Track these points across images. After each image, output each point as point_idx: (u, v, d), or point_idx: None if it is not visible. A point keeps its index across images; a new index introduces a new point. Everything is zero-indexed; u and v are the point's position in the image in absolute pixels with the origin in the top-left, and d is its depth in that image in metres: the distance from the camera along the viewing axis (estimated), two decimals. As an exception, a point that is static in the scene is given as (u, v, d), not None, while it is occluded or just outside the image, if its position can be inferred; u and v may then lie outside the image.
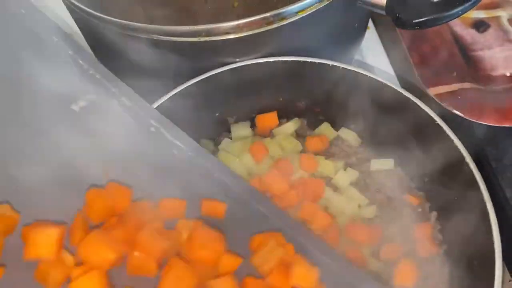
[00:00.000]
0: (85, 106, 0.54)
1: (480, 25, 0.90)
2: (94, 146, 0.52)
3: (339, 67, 0.64)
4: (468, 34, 0.89)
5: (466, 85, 0.81)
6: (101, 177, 0.53)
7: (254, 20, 0.58)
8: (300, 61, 0.65)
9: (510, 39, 0.89)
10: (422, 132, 0.64)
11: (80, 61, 0.55)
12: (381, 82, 0.64)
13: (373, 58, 0.88)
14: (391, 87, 0.64)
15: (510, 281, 0.72)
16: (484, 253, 0.54)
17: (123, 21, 0.58)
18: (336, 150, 0.72)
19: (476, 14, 0.92)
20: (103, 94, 0.55)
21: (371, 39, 0.90)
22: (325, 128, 0.74)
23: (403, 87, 0.81)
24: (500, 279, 0.51)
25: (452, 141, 0.59)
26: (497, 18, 0.92)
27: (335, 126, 0.74)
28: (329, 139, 0.73)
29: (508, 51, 0.87)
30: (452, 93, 0.79)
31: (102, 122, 0.53)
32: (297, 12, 0.60)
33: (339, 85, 0.67)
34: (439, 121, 0.61)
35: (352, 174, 0.69)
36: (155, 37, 0.59)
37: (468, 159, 0.57)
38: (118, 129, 0.53)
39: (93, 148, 0.52)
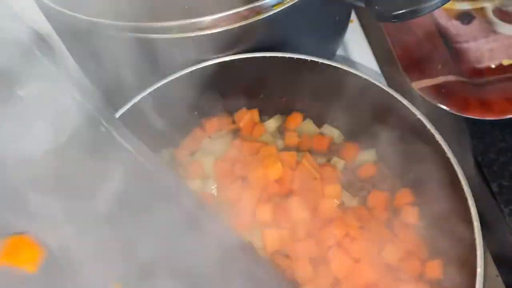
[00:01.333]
0: (32, 93, 0.52)
1: (464, 17, 0.89)
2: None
3: (318, 62, 0.63)
4: (453, 26, 0.88)
5: (451, 78, 0.80)
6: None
7: (228, 15, 0.56)
8: (278, 56, 0.63)
9: (495, 30, 0.88)
10: (405, 128, 0.63)
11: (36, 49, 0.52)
12: (362, 77, 0.62)
13: (357, 52, 0.86)
14: (372, 82, 0.62)
15: (497, 276, 0.71)
16: (466, 248, 0.53)
17: (93, 19, 0.56)
18: (319, 146, 0.71)
19: (461, 5, 0.91)
20: (54, 84, 0.52)
21: (354, 32, 0.89)
22: (308, 125, 0.73)
23: (387, 81, 0.81)
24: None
25: (433, 136, 0.58)
26: (482, 9, 0.91)
27: (318, 122, 0.73)
28: (312, 136, 0.71)
29: (493, 43, 0.86)
30: (436, 86, 0.78)
31: (48, 112, 0.51)
32: (273, 6, 0.59)
33: (320, 81, 0.66)
34: (420, 116, 0.59)
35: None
36: (127, 34, 0.57)
37: (449, 154, 0.56)
38: (63, 124, 0.51)
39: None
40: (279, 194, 0.64)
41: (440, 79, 0.79)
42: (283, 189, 0.64)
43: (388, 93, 0.61)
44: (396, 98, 0.61)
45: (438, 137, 0.58)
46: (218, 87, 0.66)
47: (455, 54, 0.84)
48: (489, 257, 0.72)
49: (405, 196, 0.66)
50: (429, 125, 0.59)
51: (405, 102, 0.61)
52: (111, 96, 0.76)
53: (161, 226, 0.50)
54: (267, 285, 0.55)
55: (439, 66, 0.81)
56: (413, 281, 0.60)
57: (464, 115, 0.75)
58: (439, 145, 0.58)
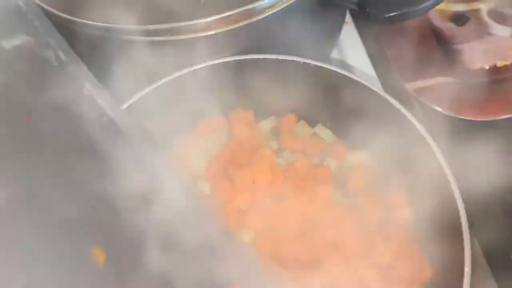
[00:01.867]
0: (17, 46, 0.52)
1: (459, 19, 0.89)
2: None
3: (311, 64, 0.63)
4: (447, 28, 0.88)
5: (445, 79, 0.81)
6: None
7: (221, 17, 0.57)
8: (271, 58, 0.64)
9: (489, 32, 0.88)
10: (398, 130, 0.63)
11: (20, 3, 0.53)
12: (354, 79, 0.63)
13: (351, 54, 0.87)
14: (365, 85, 0.63)
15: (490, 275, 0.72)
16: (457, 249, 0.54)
17: (87, 22, 0.57)
18: (311, 147, 0.71)
19: (456, 7, 0.91)
20: (39, 42, 0.52)
21: (349, 34, 0.89)
22: (301, 126, 0.73)
23: (381, 82, 0.82)
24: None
25: (424, 138, 0.59)
26: (477, 11, 0.91)
27: (311, 123, 0.73)
28: (305, 137, 0.72)
29: (487, 44, 0.87)
30: (430, 87, 0.79)
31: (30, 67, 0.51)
32: (266, 9, 0.59)
33: (313, 82, 0.67)
34: (412, 118, 0.60)
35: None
36: (122, 37, 0.58)
37: (440, 157, 0.56)
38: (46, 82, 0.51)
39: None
40: (271, 197, 0.64)
41: (434, 81, 0.80)
42: (274, 191, 0.65)
43: (380, 95, 0.62)
44: (388, 101, 0.62)
45: (429, 139, 0.58)
46: (212, 89, 0.67)
47: (449, 55, 0.85)
48: (482, 258, 0.73)
49: (397, 197, 0.66)
50: (420, 127, 0.60)
51: (397, 105, 0.62)
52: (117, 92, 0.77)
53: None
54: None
55: (433, 68, 0.82)
56: (404, 281, 0.60)
57: (458, 116, 0.76)
58: (431, 147, 0.58)
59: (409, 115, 0.59)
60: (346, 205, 0.66)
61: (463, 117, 0.76)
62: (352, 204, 0.67)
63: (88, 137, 0.52)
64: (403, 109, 0.60)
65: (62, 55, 0.54)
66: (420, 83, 0.79)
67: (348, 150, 0.71)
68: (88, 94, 0.54)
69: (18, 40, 0.53)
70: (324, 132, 0.72)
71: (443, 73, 0.81)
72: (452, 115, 0.76)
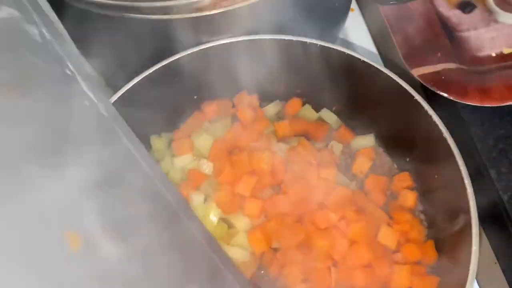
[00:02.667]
0: (1, 18, 0.51)
1: (465, 6, 0.89)
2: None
3: (317, 44, 0.63)
4: (454, 15, 0.88)
5: (451, 65, 0.80)
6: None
7: (226, -4, 0.56)
8: (277, 39, 0.63)
9: (496, 19, 0.87)
10: (403, 111, 0.63)
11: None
12: (360, 59, 0.63)
13: (357, 40, 0.86)
14: (370, 64, 0.63)
15: (495, 263, 0.71)
16: (463, 231, 0.54)
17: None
18: (317, 132, 0.71)
19: (462, -6, 0.90)
20: (24, 17, 0.51)
21: (355, 20, 0.89)
22: (306, 110, 0.73)
23: (386, 67, 0.81)
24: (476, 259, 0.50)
25: (431, 117, 0.58)
26: (483, -1, 0.90)
27: (316, 107, 0.73)
28: (310, 121, 0.72)
29: (494, 32, 0.86)
30: (436, 73, 0.78)
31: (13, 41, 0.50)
32: (273, -11, 0.59)
33: (318, 64, 0.66)
34: (418, 97, 0.60)
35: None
36: (125, 15, 0.57)
37: (446, 134, 0.56)
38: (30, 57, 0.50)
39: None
40: (272, 183, 0.65)
41: (440, 67, 0.79)
42: (276, 178, 0.65)
43: (387, 75, 0.61)
44: (395, 81, 0.61)
45: (436, 118, 0.58)
46: (217, 71, 0.67)
47: (455, 42, 0.84)
48: (487, 244, 0.72)
49: (403, 180, 0.66)
50: (428, 109, 0.59)
51: (405, 85, 0.61)
52: (112, 76, 0.77)
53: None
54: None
55: (439, 54, 0.81)
56: (409, 264, 0.60)
57: (464, 102, 0.75)
58: (437, 127, 0.58)
59: (417, 95, 0.59)
60: (351, 189, 0.66)
61: (469, 103, 0.75)
62: (357, 187, 0.67)
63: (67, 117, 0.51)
64: (410, 89, 0.59)
65: (46, 33, 0.53)
66: (425, 69, 0.78)
67: (353, 134, 0.71)
68: (70, 74, 0.53)
69: (2, 13, 0.52)
70: (329, 116, 0.72)
71: (449, 60, 0.81)
72: (458, 100, 0.75)
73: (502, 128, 0.77)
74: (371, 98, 0.65)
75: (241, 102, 0.72)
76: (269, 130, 0.70)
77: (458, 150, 0.55)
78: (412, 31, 0.84)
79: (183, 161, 0.66)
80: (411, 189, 0.65)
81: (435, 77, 0.78)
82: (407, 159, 0.66)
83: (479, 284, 0.66)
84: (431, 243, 0.60)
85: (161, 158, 0.68)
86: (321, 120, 0.73)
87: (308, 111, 0.73)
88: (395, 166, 0.68)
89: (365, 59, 0.61)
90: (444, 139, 0.56)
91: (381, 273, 0.60)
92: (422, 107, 0.59)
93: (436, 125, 0.58)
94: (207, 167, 0.65)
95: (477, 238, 0.50)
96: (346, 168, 0.68)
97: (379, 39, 0.87)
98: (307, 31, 0.67)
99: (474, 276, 0.50)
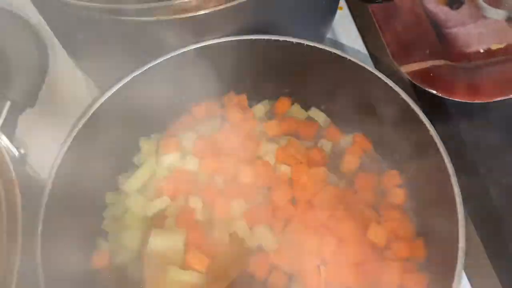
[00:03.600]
0: None
1: (453, 2, 0.89)
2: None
3: (304, 44, 0.63)
4: (442, 11, 0.88)
5: (439, 62, 0.80)
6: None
7: (212, -4, 0.56)
8: (264, 39, 0.63)
9: (484, 15, 0.88)
10: (391, 110, 0.63)
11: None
12: (348, 59, 0.63)
13: (346, 39, 0.86)
14: (358, 64, 0.63)
15: (485, 258, 0.72)
16: (451, 228, 0.54)
17: (79, 2, 0.56)
18: (306, 131, 0.71)
19: (450, -9, 0.91)
20: None
21: (344, 19, 0.89)
22: (295, 109, 0.73)
23: (375, 65, 0.81)
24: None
25: (418, 116, 0.58)
26: (471, -5, 0.90)
27: (305, 106, 0.73)
28: (299, 120, 0.72)
29: (482, 28, 0.86)
30: (424, 70, 0.78)
31: None
32: (258, -11, 0.59)
33: (307, 64, 0.66)
34: (405, 97, 0.60)
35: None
36: (109, 17, 0.57)
37: (433, 132, 0.56)
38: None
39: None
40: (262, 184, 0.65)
41: (429, 63, 0.80)
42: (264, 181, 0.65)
43: (374, 74, 0.61)
44: (382, 80, 0.61)
45: (422, 117, 0.58)
46: (205, 72, 0.66)
47: (444, 39, 0.85)
48: (478, 239, 0.73)
49: (392, 177, 0.66)
50: (414, 106, 0.59)
51: (391, 84, 0.61)
52: (98, 79, 0.77)
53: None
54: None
55: (428, 51, 0.81)
56: (399, 261, 0.60)
57: (452, 99, 0.76)
58: (424, 125, 0.58)
59: (403, 94, 0.59)
60: (340, 187, 0.66)
61: (458, 99, 0.75)
62: (346, 186, 0.67)
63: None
64: (398, 89, 0.59)
65: None
66: (414, 66, 0.79)
67: (342, 132, 0.71)
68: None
69: None
70: (318, 115, 0.72)
71: (437, 56, 0.81)
72: (447, 97, 0.76)
73: (491, 124, 0.77)
74: (359, 97, 0.65)
75: (230, 102, 0.72)
76: (258, 130, 0.70)
77: (444, 147, 0.55)
78: (401, 29, 0.85)
79: (170, 159, 0.66)
80: (400, 186, 0.65)
81: (423, 74, 0.78)
82: (396, 157, 0.66)
83: (469, 280, 0.66)
84: (420, 241, 0.61)
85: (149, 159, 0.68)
86: (310, 119, 0.73)
87: (297, 110, 0.73)
88: (384, 164, 0.68)
89: (352, 59, 0.61)
90: (430, 137, 0.56)
91: (371, 270, 0.60)
92: (409, 106, 0.59)
93: (423, 124, 0.58)
94: (192, 163, 0.65)
95: (463, 236, 0.50)
96: (335, 167, 0.68)
97: (368, 37, 0.87)
98: (295, 30, 0.67)
99: (461, 274, 0.50)
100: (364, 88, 0.64)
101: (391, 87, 0.61)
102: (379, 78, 0.61)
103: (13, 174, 0.55)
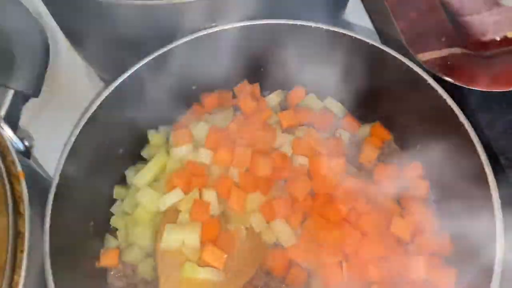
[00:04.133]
0: None
1: (468, -11, 0.87)
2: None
3: (322, 28, 0.61)
4: (456, -1, 0.86)
5: (456, 50, 0.78)
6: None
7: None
8: (279, 24, 0.61)
9: (498, 3, 0.85)
10: (411, 94, 0.61)
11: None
12: (363, 40, 0.61)
13: (358, 27, 0.84)
14: (372, 44, 0.61)
15: None
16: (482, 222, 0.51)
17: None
18: (322, 121, 0.68)
19: (464, -22, 0.88)
20: None
21: (356, 7, 0.86)
22: (310, 99, 0.70)
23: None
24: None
25: (436, 91, 0.57)
26: (485, -18, 0.88)
27: (321, 96, 0.70)
28: (315, 110, 0.69)
29: (497, 16, 0.84)
30: (442, 58, 0.76)
31: None
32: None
33: (322, 49, 0.63)
34: (421, 73, 0.58)
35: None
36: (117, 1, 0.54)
37: (458, 112, 0.54)
38: None
39: None
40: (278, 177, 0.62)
41: (445, 52, 0.77)
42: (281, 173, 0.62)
43: (396, 58, 0.59)
44: (406, 64, 0.59)
45: (446, 97, 0.56)
46: (217, 59, 0.63)
47: (459, 27, 0.82)
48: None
49: (413, 169, 0.63)
50: (436, 86, 0.57)
51: (410, 64, 0.59)
52: (101, 70, 0.74)
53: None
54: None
55: (444, 39, 0.79)
56: (423, 255, 0.57)
57: (471, 88, 0.73)
58: (449, 106, 0.56)
59: (424, 74, 0.57)
60: (360, 178, 0.63)
61: (477, 88, 0.73)
62: (365, 177, 0.64)
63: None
64: (416, 68, 0.57)
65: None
66: (430, 54, 0.76)
67: (359, 122, 0.68)
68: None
69: None
70: (334, 105, 0.69)
71: (454, 44, 0.78)
72: (465, 86, 0.73)
73: (511, 114, 0.75)
74: (375, 83, 0.63)
75: (243, 92, 0.69)
76: (273, 120, 0.67)
77: (474, 131, 0.52)
78: (415, 16, 0.82)
79: (182, 151, 0.63)
80: (423, 178, 0.63)
81: (440, 62, 0.75)
82: (418, 146, 0.64)
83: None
84: (446, 235, 0.58)
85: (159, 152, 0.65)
86: (325, 110, 0.70)
87: (312, 100, 0.70)
88: (405, 154, 0.66)
89: (373, 42, 0.59)
90: (457, 117, 0.53)
91: (395, 265, 0.57)
92: (431, 87, 0.56)
93: (447, 104, 0.55)
94: (205, 155, 0.62)
95: (502, 230, 0.47)
96: (353, 158, 0.65)
97: (381, 25, 0.84)
98: (306, 16, 0.64)
99: (499, 276, 0.47)
100: (381, 73, 0.62)
101: (412, 68, 0.59)
102: (396, 58, 0.59)
103: (19, 167, 0.52)
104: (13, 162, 0.53)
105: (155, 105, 0.64)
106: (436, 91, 0.56)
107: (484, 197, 0.50)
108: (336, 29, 0.60)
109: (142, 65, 0.60)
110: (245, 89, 0.68)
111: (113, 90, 0.60)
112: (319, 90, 0.70)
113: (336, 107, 0.69)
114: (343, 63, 0.63)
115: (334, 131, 0.68)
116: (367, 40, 0.59)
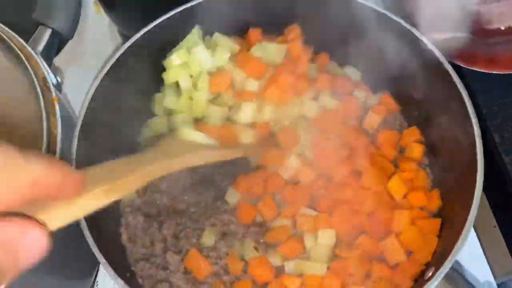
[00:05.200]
0: None
1: (477, -22, 0.91)
2: None
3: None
4: (465, -11, 0.90)
5: (461, 34, 0.83)
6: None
7: None
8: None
9: (506, -5, 0.90)
10: (419, 66, 0.66)
11: None
12: (381, 12, 0.66)
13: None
14: (389, 16, 0.66)
15: (494, 226, 0.74)
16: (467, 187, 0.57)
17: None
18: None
19: (474, -33, 0.93)
20: None
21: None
22: (332, 66, 0.76)
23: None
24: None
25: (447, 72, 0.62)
26: (495, -28, 0.92)
27: (342, 63, 0.76)
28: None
29: (504, 7, 0.89)
30: (446, 40, 0.81)
31: None
32: None
33: (348, 20, 0.68)
34: (428, 44, 0.66)
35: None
36: None
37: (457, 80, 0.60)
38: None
39: None
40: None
41: (450, 35, 0.82)
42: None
43: (406, 29, 0.67)
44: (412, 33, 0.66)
45: (452, 73, 0.62)
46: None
47: (465, 14, 0.87)
48: (488, 208, 0.75)
49: (412, 134, 0.69)
50: (441, 57, 0.64)
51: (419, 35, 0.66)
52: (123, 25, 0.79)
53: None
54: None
55: (449, 23, 0.83)
56: (414, 210, 0.63)
57: (471, 68, 0.78)
58: (453, 80, 0.61)
59: (428, 43, 0.63)
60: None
61: (476, 69, 0.77)
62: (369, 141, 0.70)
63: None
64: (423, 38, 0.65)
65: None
66: (436, 35, 0.81)
67: (371, 91, 0.74)
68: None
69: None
70: (353, 72, 0.75)
71: (459, 29, 0.83)
72: (465, 66, 0.78)
73: (508, 97, 0.79)
74: (388, 54, 0.67)
75: (292, 33, 0.73)
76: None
77: (470, 101, 0.57)
78: (425, 2, 0.87)
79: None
80: (419, 142, 0.68)
81: (443, 42, 0.80)
82: (419, 116, 0.69)
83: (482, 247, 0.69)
84: (436, 191, 0.63)
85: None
86: (345, 75, 0.75)
87: (334, 67, 0.76)
88: (407, 123, 0.71)
89: (388, 13, 0.64)
90: (458, 91, 0.59)
91: (383, 217, 0.62)
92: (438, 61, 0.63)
93: (452, 78, 0.61)
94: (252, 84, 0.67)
95: (480, 190, 0.54)
96: (360, 124, 0.72)
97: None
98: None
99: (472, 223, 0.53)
100: (393, 46, 0.67)
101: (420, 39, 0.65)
102: (409, 30, 0.66)
103: (53, 94, 0.57)
104: (49, 89, 0.58)
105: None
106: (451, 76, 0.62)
107: (471, 164, 0.57)
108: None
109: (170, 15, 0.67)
110: (296, 31, 0.72)
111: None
112: (340, 57, 0.75)
113: (355, 75, 0.75)
114: (364, 35, 0.68)
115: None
116: (382, 11, 0.65)
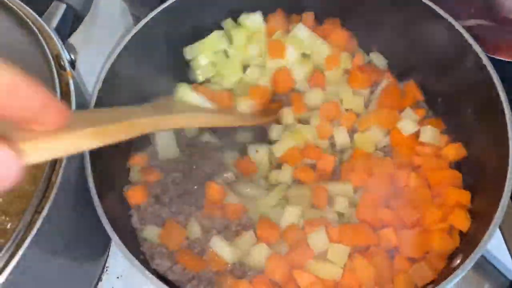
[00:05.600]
0: None
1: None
2: None
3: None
4: (488, -21, 0.88)
5: (482, 22, 0.81)
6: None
7: None
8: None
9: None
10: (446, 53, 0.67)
11: None
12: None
13: None
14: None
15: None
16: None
17: None
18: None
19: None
20: None
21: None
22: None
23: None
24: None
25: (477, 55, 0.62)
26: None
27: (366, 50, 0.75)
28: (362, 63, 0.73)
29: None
30: (468, 28, 0.79)
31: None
32: None
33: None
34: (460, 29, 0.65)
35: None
36: None
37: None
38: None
39: None
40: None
41: (472, 22, 0.80)
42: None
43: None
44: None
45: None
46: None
47: (488, 2, 0.85)
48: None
49: (435, 123, 0.67)
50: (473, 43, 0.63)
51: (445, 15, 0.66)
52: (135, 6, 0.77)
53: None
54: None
55: (472, 10, 0.81)
56: (447, 206, 0.62)
57: (496, 57, 0.76)
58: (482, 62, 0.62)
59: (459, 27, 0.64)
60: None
61: (501, 58, 0.76)
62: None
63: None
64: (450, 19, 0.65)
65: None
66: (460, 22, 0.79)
67: (397, 79, 0.72)
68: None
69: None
70: (379, 59, 0.74)
71: (481, 17, 0.81)
72: (490, 55, 0.76)
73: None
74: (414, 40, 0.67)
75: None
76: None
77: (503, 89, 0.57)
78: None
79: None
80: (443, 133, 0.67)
81: (467, 31, 0.78)
82: (441, 105, 0.68)
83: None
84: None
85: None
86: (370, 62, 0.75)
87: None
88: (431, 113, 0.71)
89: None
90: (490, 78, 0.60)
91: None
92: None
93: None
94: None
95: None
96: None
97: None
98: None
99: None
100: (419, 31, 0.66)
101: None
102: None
103: (68, 69, 0.56)
104: (63, 65, 0.56)
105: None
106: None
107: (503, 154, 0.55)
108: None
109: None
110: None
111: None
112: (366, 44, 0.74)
113: (380, 61, 0.74)
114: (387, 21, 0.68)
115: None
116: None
